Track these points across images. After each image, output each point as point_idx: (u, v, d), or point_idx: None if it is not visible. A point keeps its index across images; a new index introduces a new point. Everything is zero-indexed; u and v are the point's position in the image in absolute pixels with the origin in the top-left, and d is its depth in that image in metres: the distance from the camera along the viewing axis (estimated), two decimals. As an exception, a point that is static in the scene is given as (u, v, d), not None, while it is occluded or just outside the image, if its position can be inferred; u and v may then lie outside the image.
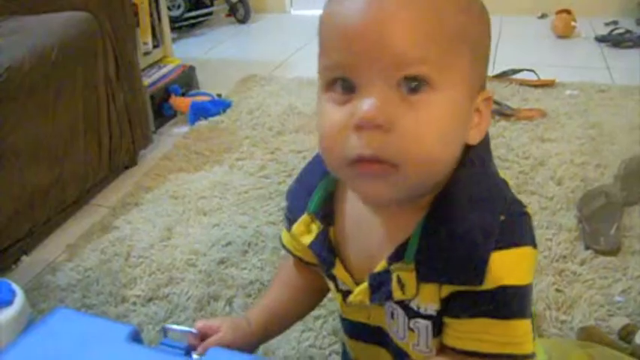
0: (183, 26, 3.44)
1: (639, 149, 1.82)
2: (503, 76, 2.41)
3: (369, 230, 0.65)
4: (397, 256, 0.62)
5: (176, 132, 2.20)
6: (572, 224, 1.50)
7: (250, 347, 0.76)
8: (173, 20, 3.23)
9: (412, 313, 0.64)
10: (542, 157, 1.80)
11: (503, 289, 0.59)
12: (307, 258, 0.75)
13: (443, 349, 0.65)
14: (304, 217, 0.70)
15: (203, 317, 1.28)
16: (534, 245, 0.62)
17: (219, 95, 2.35)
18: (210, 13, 3.59)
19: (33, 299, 1.32)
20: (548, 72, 2.40)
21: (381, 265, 0.63)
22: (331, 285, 0.72)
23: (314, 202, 0.69)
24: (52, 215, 1.62)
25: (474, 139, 0.60)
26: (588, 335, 1.13)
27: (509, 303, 0.60)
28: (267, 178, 1.78)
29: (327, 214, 0.69)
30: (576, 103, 2.18)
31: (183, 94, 2.31)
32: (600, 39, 2.96)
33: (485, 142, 0.63)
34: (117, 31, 1.82)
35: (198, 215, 1.63)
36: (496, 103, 2.10)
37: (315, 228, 0.69)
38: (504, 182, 0.64)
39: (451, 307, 0.61)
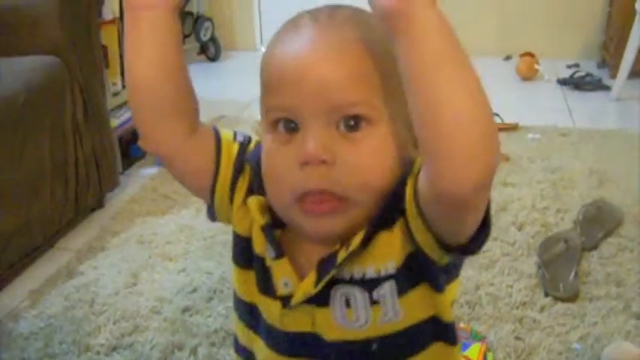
0: (154, 64, 3.45)
1: (598, 194, 1.87)
2: (467, 119, 2.46)
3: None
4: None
5: (144, 173, 2.21)
6: (533, 270, 1.53)
7: None
8: (144, 58, 3.25)
9: (373, 284, 0.62)
10: (505, 202, 1.84)
11: None
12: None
13: None
14: (262, 198, 0.66)
15: (167, 367, 1.28)
16: None
17: (187, 136, 2.36)
18: (181, 51, 3.61)
19: (-6, 349, 1.31)
20: (512, 115, 2.46)
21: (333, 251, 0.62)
22: (266, 301, 0.68)
23: None
24: (16, 260, 1.61)
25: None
26: (546, 385, 1.15)
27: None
28: (234, 222, 1.79)
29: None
30: (538, 147, 2.24)
31: (152, 135, 2.31)
32: (562, 82, 3.05)
33: None
34: (85, 74, 1.83)
35: (164, 261, 1.63)
36: (460, 146, 2.15)
37: (267, 216, 0.66)
38: None
39: None
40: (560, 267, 1.51)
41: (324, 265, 0.63)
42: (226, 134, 0.70)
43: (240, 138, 0.71)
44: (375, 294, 0.63)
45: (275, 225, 0.66)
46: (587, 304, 1.41)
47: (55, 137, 1.70)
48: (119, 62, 2.41)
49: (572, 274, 1.48)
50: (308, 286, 0.63)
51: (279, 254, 0.65)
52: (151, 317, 1.41)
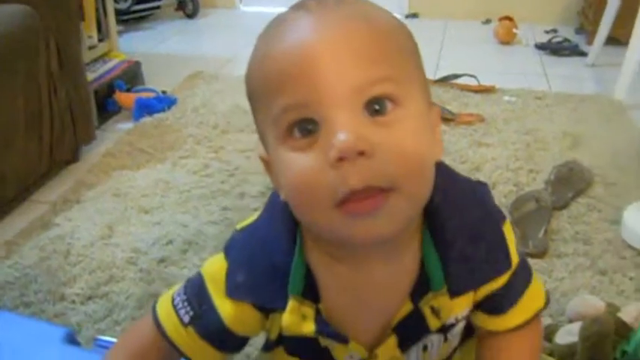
0: (130, 19, 3.41)
1: (570, 156, 1.91)
2: (445, 80, 2.48)
3: (367, 287, 0.60)
4: (421, 290, 0.59)
5: (120, 128, 2.19)
6: (504, 228, 1.56)
7: None
8: (120, 13, 3.19)
9: (449, 328, 0.65)
10: (479, 161, 1.86)
11: (518, 257, 0.65)
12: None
13: (483, 338, 0.70)
14: (292, 304, 0.60)
15: (142, 316, 1.29)
16: None
17: (164, 92, 2.34)
18: (158, 7, 3.56)
19: (-31, 296, 1.31)
20: (489, 78, 2.48)
21: (405, 309, 0.60)
22: None
23: (296, 281, 0.60)
24: (-11, 211, 1.60)
25: (439, 153, 0.58)
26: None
27: (526, 264, 0.68)
28: (210, 177, 1.80)
29: (311, 289, 0.61)
30: (514, 110, 2.26)
31: (128, 90, 2.29)
32: (540, 46, 3.06)
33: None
34: (60, 25, 1.80)
35: (139, 213, 1.63)
36: (437, 107, 2.17)
37: (309, 310, 0.60)
38: None
39: (497, 304, 0.65)
40: (530, 224, 1.54)
41: (406, 327, 0.62)
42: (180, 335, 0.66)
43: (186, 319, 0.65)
44: (449, 335, 0.66)
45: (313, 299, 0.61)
46: (555, 261, 1.45)
47: (29, 87, 1.68)
48: (94, 16, 2.38)
49: (542, 231, 1.52)
50: (392, 350, 0.63)
51: (345, 340, 0.62)
52: (126, 268, 1.42)
